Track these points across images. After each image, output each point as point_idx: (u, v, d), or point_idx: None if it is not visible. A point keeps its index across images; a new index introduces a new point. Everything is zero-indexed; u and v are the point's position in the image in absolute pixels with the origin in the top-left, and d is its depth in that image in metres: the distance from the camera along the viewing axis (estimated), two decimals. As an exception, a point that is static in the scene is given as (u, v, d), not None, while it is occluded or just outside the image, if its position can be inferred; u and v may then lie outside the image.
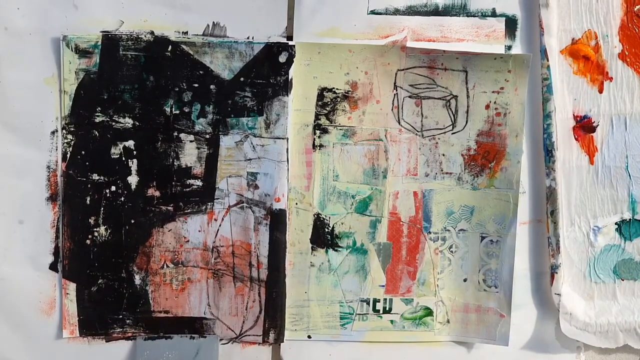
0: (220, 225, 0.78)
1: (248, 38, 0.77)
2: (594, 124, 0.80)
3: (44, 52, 0.76)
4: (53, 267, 0.78)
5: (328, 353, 0.80)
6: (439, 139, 0.79)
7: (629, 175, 0.80)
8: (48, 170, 0.77)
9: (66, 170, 0.77)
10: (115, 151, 0.77)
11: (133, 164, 0.77)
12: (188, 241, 0.78)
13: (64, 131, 0.77)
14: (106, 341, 0.79)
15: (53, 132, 0.77)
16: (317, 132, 0.78)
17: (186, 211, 0.78)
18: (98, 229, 0.77)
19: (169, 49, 0.77)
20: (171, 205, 0.78)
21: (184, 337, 0.79)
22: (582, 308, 0.81)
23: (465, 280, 0.80)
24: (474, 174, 0.78)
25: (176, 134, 0.77)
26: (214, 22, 0.77)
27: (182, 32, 0.77)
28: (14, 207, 0.78)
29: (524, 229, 0.80)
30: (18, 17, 0.76)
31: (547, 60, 0.78)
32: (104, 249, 0.78)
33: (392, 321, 0.80)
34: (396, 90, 0.78)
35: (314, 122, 0.78)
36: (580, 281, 0.81)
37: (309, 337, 0.80)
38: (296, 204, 0.79)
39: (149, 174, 0.77)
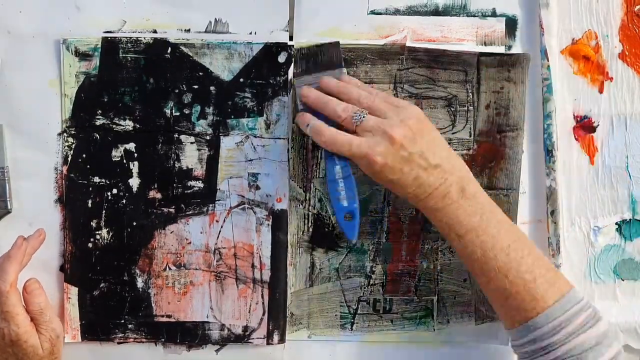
0: (222, 227, 0.78)
1: (251, 33, 0.77)
2: (594, 124, 0.80)
3: (47, 55, 0.77)
4: (63, 269, 0.78)
5: (328, 353, 0.80)
6: (439, 139, 0.79)
7: (630, 175, 0.80)
8: (56, 172, 0.77)
9: (67, 174, 0.77)
10: (116, 154, 0.77)
11: (134, 167, 0.77)
12: (190, 243, 0.78)
13: (65, 134, 0.77)
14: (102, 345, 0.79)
15: (59, 134, 0.77)
16: (317, 132, 0.78)
17: (187, 213, 0.78)
18: (100, 232, 0.77)
19: (169, 51, 0.77)
20: (173, 207, 0.78)
21: None
22: (583, 308, 0.81)
23: (465, 280, 0.80)
24: (474, 174, 0.78)
25: (177, 135, 0.77)
26: (216, 19, 0.77)
27: (185, 30, 0.77)
28: (23, 209, 0.78)
29: (524, 229, 0.79)
30: (20, 20, 0.76)
31: (547, 60, 0.77)
32: (106, 252, 0.78)
33: (392, 321, 0.80)
34: (396, 90, 0.78)
35: (314, 121, 0.78)
36: (581, 281, 0.81)
37: (309, 337, 0.80)
38: (296, 204, 0.79)
39: (150, 176, 0.77)
